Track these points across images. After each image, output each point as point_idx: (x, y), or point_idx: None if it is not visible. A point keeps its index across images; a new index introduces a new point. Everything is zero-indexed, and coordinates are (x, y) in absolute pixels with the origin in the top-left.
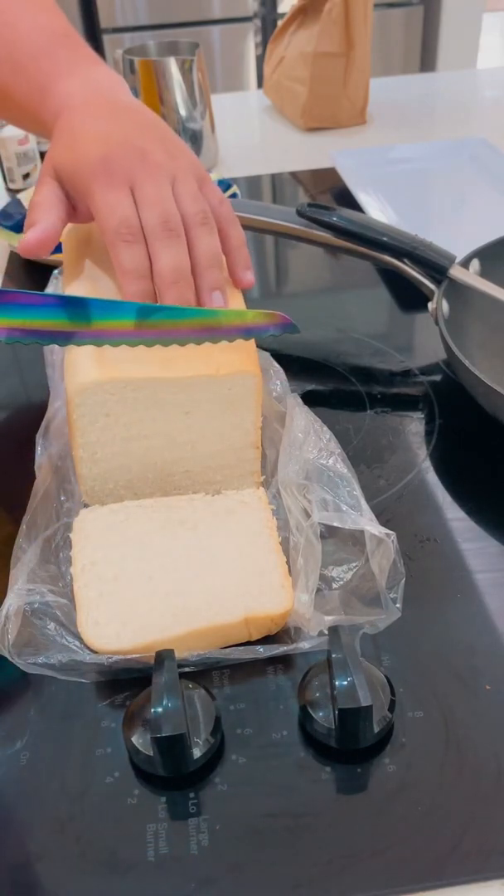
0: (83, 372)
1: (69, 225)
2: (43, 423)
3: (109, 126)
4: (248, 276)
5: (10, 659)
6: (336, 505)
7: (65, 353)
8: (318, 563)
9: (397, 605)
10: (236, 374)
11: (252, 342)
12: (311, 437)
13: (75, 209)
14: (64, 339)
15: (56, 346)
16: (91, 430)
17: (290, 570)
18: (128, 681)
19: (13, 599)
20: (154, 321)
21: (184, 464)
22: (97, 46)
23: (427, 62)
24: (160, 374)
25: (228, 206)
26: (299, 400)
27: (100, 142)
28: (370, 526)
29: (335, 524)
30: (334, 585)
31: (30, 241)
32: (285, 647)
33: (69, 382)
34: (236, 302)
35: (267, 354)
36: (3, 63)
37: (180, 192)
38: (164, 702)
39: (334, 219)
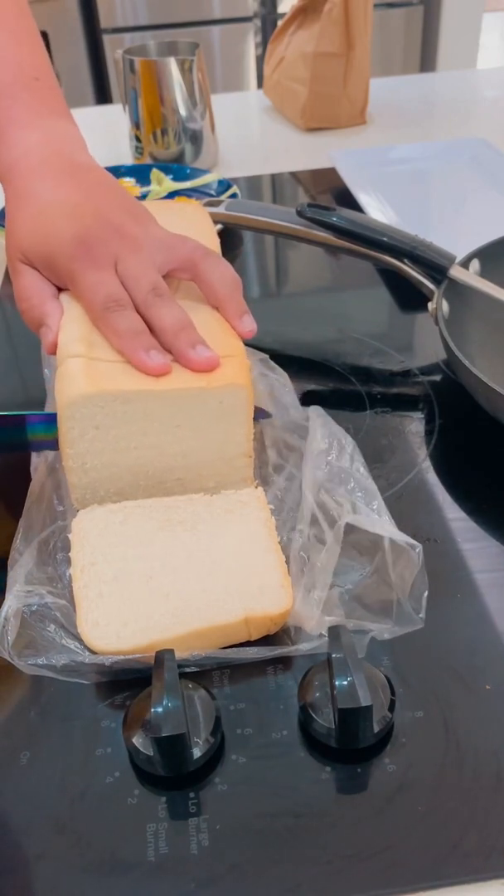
0: (73, 384)
1: None
2: None
3: (75, 194)
4: (247, 324)
5: (10, 661)
6: (366, 510)
7: (56, 365)
8: (333, 566)
9: (420, 616)
10: (226, 386)
11: (243, 352)
12: (334, 448)
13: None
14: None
15: None
16: (81, 442)
17: (302, 571)
18: (128, 681)
19: (12, 601)
20: None
21: (175, 472)
22: (97, 46)
23: (427, 62)
24: (150, 386)
25: (203, 250)
26: (321, 410)
27: (71, 218)
28: (398, 535)
29: (365, 527)
30: (339, 590)
31: (53, 345)
32: (285, 649)
33: (59, 394)
34: (234, 346)
35: (266, 357)
36: None
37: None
38: (164, 702)
39: (334, 219)
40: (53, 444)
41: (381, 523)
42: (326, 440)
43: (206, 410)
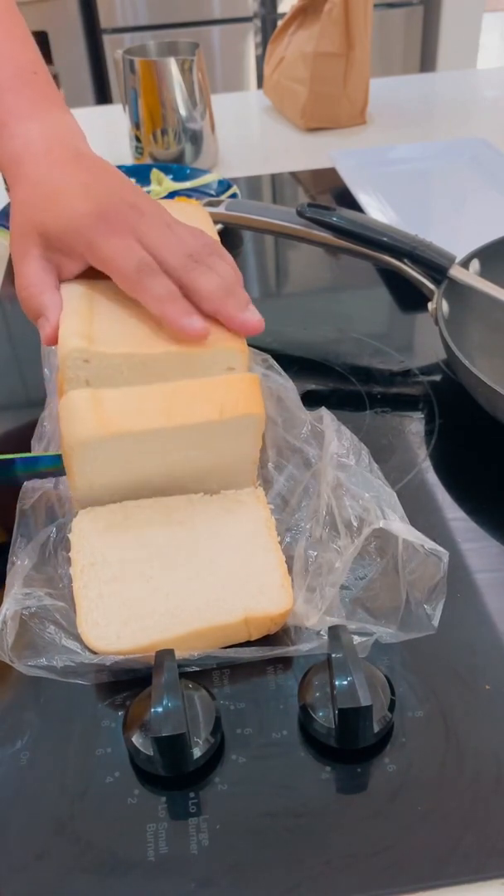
0: (81, 424)
1: None
2: (39, 425)
3: (85, 177)
4: (248, 318)
5: (9, 663)
6: (394, 516)
7: (58, 363)
8: (347, 569)
9: (433, 623)
10: (240, 416)
11: (245, 350)
12: (352, 453)
13: (59, 272)
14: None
15: (53, 348)
16: (90, 474)
17: (306, 570)
18: (128, 681)
19: (10, 604)
20: None
21: (180, 487)
22: (97, 46)
23: (427, 62)
24: (162, 423)
25: (192, 263)
26: (333, 416)
27: (84, 197)
28: (428, 542)
29: (396, 534)
30: (343, 591)
31: (50, 337)
32: (285, 649)
33: (66, 431)
34: (238, 344)
35: (268, 357)
36: None
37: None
38: (164, 702)
39: (334, 219)
40: (43, 476)
41: (410, 530)
42: (345, 443)
43: (218, 438)
